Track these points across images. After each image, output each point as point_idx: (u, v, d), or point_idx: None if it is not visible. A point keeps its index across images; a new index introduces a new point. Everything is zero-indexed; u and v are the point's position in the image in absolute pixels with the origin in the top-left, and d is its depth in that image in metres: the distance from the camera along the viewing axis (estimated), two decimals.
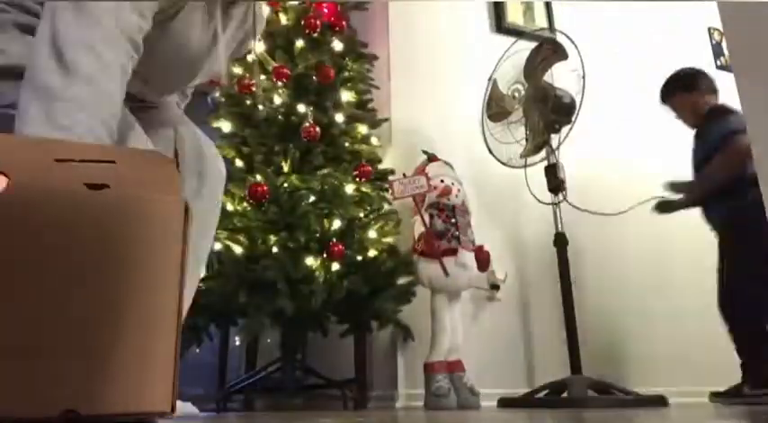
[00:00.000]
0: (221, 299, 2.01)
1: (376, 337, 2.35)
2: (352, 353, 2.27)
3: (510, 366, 2.45)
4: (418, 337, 2.24)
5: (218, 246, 2.13)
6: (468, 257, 2.24)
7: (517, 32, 2.86)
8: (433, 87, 2.83)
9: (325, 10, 2.46)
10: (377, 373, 2.40)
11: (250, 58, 2.42)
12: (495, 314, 2.56)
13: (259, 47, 2.43)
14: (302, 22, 2.37)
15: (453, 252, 2.20)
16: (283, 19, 2.43)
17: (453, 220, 2.24)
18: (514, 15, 3.17)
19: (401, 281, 2.18)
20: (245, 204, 2.16)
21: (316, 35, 2.39)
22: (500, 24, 3.11)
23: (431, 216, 2.24)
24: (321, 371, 2.26)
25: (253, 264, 2.01)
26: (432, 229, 2.21)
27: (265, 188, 2.07)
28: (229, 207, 2.20)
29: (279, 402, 2.40)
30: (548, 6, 3.29)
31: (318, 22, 2.36)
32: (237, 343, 2.67)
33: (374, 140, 2.43)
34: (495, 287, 2.57)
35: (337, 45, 2.44)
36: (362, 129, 2.39)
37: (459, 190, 2.31)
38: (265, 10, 2.47)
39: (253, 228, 2.11)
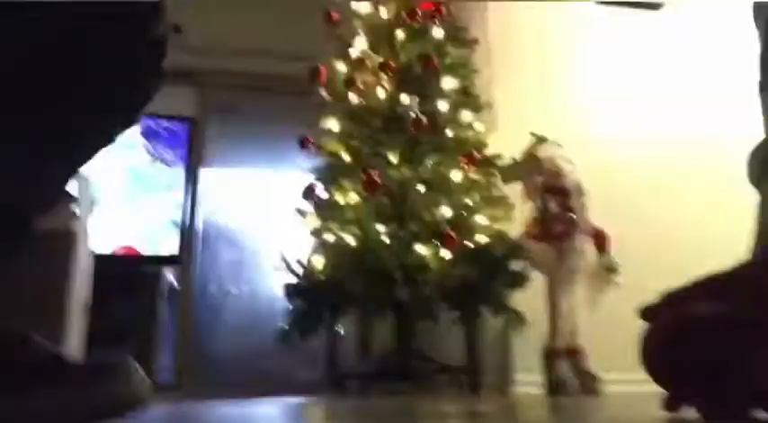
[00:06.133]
0: (334, 288, 2.08)
1: (487, 322, 2.34)
2: (463, 339, 2.27)
3: (632, 351, 2.34)
4: (533, 323, 2.20)
5: (331, 237, 2.21)
6: (584, 240, 2.17)
7: (619, 3, 2.75)
8: (535, 67, 2.75)
9: None
10: (489, 358, 2.39)
11: (353, 53, 2.46)
12: (615, 298, 2.46)
13: (361, 43, 2.46)
14: (402, 14, 2.38)
15: (568, 235, 2.14)
16: (384, 12, 2.46)
17: (567, 203, 2.17)
18: None
19: (514, 266, 2.15)
20: (355, 196, 2.22)
21: (416, 25, 2.39)
22: None
23: (544, 199, 2.19)
24: (433, 357, 2.28)
25: (365, 254, 2.07)
26: (545, 212, 2.16)
27: (378, 180, 2.11)
28: (340, 200, 2.27)
29: (393, 388, 2.46)
30: None
31: (419, 11, 2.36)
32: (350, 331, 2.75)
33: (478, 126, 2.40)
34: (611, 270, 2.47)
35: (437, 32, 2.42)
36: (467, 115, 2.37)
37: (572, 171, 2.23)
38: (365, 5, 2.51)
39: (364, 219, 2.16)
